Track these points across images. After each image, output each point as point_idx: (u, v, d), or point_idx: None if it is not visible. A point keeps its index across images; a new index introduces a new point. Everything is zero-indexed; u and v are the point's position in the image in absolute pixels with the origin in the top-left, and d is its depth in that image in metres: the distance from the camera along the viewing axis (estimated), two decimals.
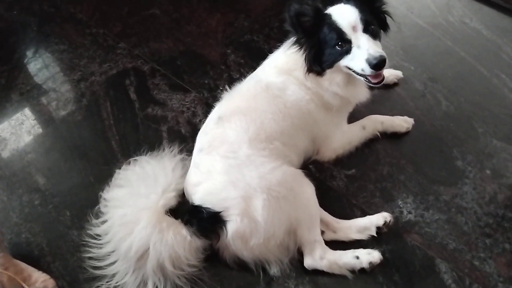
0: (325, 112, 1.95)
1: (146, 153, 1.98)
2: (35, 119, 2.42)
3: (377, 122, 2.14)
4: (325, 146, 2.04)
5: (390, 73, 2.36)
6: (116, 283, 1.69)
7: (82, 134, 2.32)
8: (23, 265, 1.76)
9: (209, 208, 1.68)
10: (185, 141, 2.21)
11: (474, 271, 1.75)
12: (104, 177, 1.95)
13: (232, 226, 1.65)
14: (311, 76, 1.86)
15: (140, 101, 2.43)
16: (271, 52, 2.07)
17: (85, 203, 2.00)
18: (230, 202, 1.66)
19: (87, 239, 1.77)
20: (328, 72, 1.83)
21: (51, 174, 2.16)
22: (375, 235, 1.82)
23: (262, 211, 1.64)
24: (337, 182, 2.05)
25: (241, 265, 1.74)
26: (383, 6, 1.84)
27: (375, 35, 1.76)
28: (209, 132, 1.86)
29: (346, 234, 1.83)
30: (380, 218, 1.83)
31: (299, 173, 1.80)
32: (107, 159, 2.17)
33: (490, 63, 2.49)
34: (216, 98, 2.27)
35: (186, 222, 1.71)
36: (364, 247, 1.78)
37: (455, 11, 2.80)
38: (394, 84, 2.40)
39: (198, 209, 1.70)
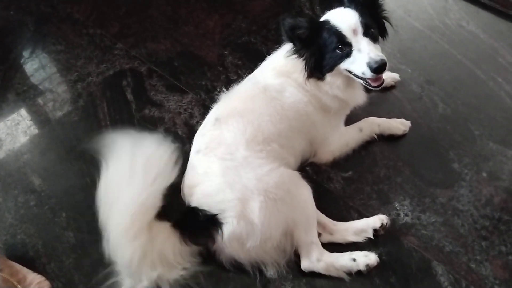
0: (323, 114, 1.95)
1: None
2: (31, 119, 2.41)
3: (374, 125, 2.14)
4: (323, 148, 2.04)
5: (387, 76, 2.36)
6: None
7: (78, 135, 2.31)
8: (18, 266, 1.75)
9: (205, 211, 1.67)
10: (182, 142, 2.20)
11: (471, 274, 1.76)
12: (99, 178, 1.94)
13: (229, 228, 1.64)
14: (311, 81, 1.86)
15: (137, 102, 2.43)
16: (269, 53, 2.07)
17: (81, 205, 1.99)
18: (227, 204, 1.66)
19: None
20: (328, 76, 1.84)
21: (47, 175, 2.15)
22: (372, 237, 1.82)
23: (259, 213, 1.63)
24: (334, 184, 2.05)
25: (237, 267, 1.74)
26: (383, 12, 1.85)
27: (375, 39, 1.77)
28: (206, 133, 1.86)
29: (343, 236, 1.83)
30: (377, 221, 1.83)
31: (296, 175, 1.80)
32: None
33: (487, 66, 2.50)
34: (213, 100, 2.26)
35: (177, 225, 1.69)
36: (361, 249, 1.78)
37: (452, 14, 2.81)
38: (391, 87, 2.40)
39: (194, 211, 1.70)
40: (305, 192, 1.76)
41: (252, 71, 2.08)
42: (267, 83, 1.91)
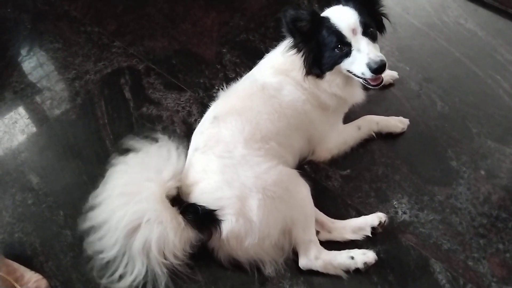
0: (321, 112, 1.94)
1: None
2: (29, 118, 2.40)
3: (372, 123, 2.14)
4: (321, 146, 2.04)
5: (385, 74, 2.35)
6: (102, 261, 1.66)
7: (76, 133, 2.31)
8: (16, 265, 1.75)
9: (204, 206, 1.67)
10: (180, 140, 2.19)
11: (468, 271, 1.76)
12: (97, 177, 1.93)
13: (227, 226, 1.64)
14: (310, 78, 1.85)
15: (135, 100, 2.42)
16: (267, 51, 2.07)
17: (79, 203, 1.98)
18: (225, 202, 1.66)
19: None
20: (328, 74, 1.83)
21: (45, 173, 2.15)
22: (370, 235, 1.82)
23: (257, 211, 1.63)
24: (332, 182, 2.05)
25: (235, 265, 1.74)
26: (382, 8, 1.84)
27: (374, 38, 1.77)
28: (204, 131, 1.86)
29: (341, 234, 1.83)
30: (375, 219, 1.83)
31: (295, 173, 1.80)
32: (101, 158, 2.16)
33: (485, 64, 2.50)
34: (211, 98, 2.26)
35: (182, 213, 1.68)
36: (359, 247, 1.78)
37: (450, 12, 2.81)
38: (390, 85, 2.40)
39: (193, 206, 1.69)
40: (303, 190, 1.76)
41: (250, 69, 2.07)
42: (265, 81, 1.90)
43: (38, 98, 2.48)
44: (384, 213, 1.87)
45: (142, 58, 2.65)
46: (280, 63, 1.92)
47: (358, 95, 1.97)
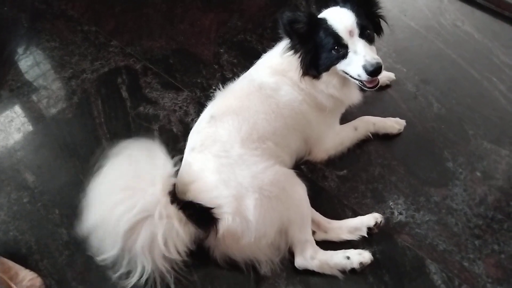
0: (318, 112, 1.95)
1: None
2: (25, 116, 2.39)
3: (369, 123, 2.14)
4: (318, 146, 2.04)
5: (382, 75, 2.35)
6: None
7: (72, 132, 2.30)
8: (10, 263, 1.74)
9: (201, 204, 1.67)
10: (177, 140, 2.19)
11: (463, 272, 1.76)
12: (94, 176, 1.93)
13: (224, 225, 1.64)
14: (306, 79, 1.86)
15: (131, 100, 2.42)
16: (264, 52, 2.07)
17: (75, 202, 1.97)
18: (222, 201, 1.65)
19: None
20: (324, 75, 1.84)
21: (41, 172, 2.14)
22: (366, 235, 1.82)
23: (254, 211, 1.63)
24: (329, 182, 2.05)
25: (231, 264, 1.73)
26: (379, 10, 1.85)
27: (370, 40, 1.78)
28: (201, 131, 1.86)
29: (337, 234, 1.83)
30: (371, 219, 1.83)
31: (291, 173, 1.80)
32: (97, 158, 2.15)
33: (481, 66, 2.51)
34: (208, 97, 2.26)
35: (181, 209, 1.66)
36: (355, 248, 1.78)
37: (447, 14, 2.82)
38: (387, 86, 2.41)
39: (190, 204, 1.68)
40: (300, 190, 1.76)
41: (248, 70, 2.07)
42: (262, 81, 1.91)
43: (34, 97, 2.47)
44: (380, 213, 1.87)
45: (139, 57, 2.64)
46: (277, 63, 1.92)
47: (354, 96, 1.98)
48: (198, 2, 2.99)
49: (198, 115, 2.04)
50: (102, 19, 2.88)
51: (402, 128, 2.18)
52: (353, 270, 1.73)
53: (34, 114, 2.40)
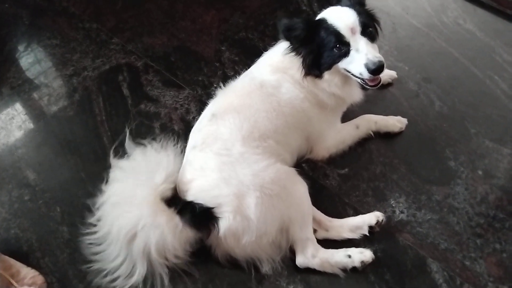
0: (319, 110, 1.94)
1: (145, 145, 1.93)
2: (26, 114, 2.39)
3: (371, 122, 2.14)
4: (319, 144, 2.03)
5: (384, 73, 2.34)
6: (108, 271, 1.68)
7: (73, 129, 2.30)
8: (12, 261, 1.74)
9: (201, 204, 1.67)
10: (178, 138, 2.18)
11: (465, 271, 1.76)
12: (95, 173, 1.93)
13: (225, 223, 1.64)
14: (308, 78, 1.86)
15: (132, 97, 2.41)
16: (266, 49, 2.06)
17: (76, 199, 1.98)
18: (223, 199, 1.65)
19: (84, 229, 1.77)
20: (326, 74, 1.83)
21: (42, 169, 2.14)
22: (368, 234, 1.82)
23: (255, 209, 1.63)
24: (330, 181, 2.05)
25: (233, 263, 1.73)
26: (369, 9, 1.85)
27: (372, 38, 1.77)
28: (202, 129, 1.85)
29: (339, 232, 1.83)
30: (372, 218, 1.83)
31: (293, 171, 1.80)
32: (98, 155, 2.15)
33: (484, 64, 2.50)
34: (210, 95, 2.26)
35: (179, 213, 1.68)
36: (356, 246, 1.78)
37: (449, 12, 2.81)
38: (388, 84, 2.40)
39: (190, 205, 1.69)
40: (301, 188, 1.75)
41: (249, 67, 2.07)
42: (263, 79, 1.90)
43: (35, 94, 2.47)
44: (381, 212, 1.86)
45: (141, 55, 2.64)
46: (279, 61, 1.92)
47: (356, 95, 1.97)
48: None
49: (199, 113, 2.04)
50: (103, 16, 2.88)
51: (403, 126, 2.18)
52: (354, 269, 1.73)
53: (35, 112, 2.40)
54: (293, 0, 2.94)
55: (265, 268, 1.72)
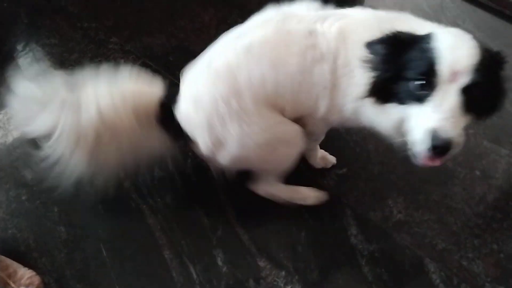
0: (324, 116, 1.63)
1: None
2: None
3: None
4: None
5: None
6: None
7: None
8: (9, 261, 1.74)
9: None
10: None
11: (462, 271, 1.77)
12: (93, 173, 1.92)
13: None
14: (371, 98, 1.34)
15: None
16: None
17: (73, 199, 1.97)
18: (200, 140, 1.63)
19: None
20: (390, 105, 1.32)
21: (40, 169, 2.13)
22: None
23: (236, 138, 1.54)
24: (328, 181, 2.04)
25: (233, 263, 1.73)
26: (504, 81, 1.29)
27: (471, 108, 1.18)
28: (229, 54, 1.54)
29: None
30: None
31: (299, 132, 1.61)
32: None
33: None
34: None
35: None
36: (349, 237, 1.77)
37: (448, 12, 2.81)
38: None
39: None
40: (293, 154, 1.69)
41: None
42: (318, 40, 1.43)
43: None
44: (379, 212, 1.87)
45: (139, 54, 2.63)
46: (354, 27, 1.42)
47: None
48: None
49: None
50: (101, 15, 2.87)
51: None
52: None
53: None
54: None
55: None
